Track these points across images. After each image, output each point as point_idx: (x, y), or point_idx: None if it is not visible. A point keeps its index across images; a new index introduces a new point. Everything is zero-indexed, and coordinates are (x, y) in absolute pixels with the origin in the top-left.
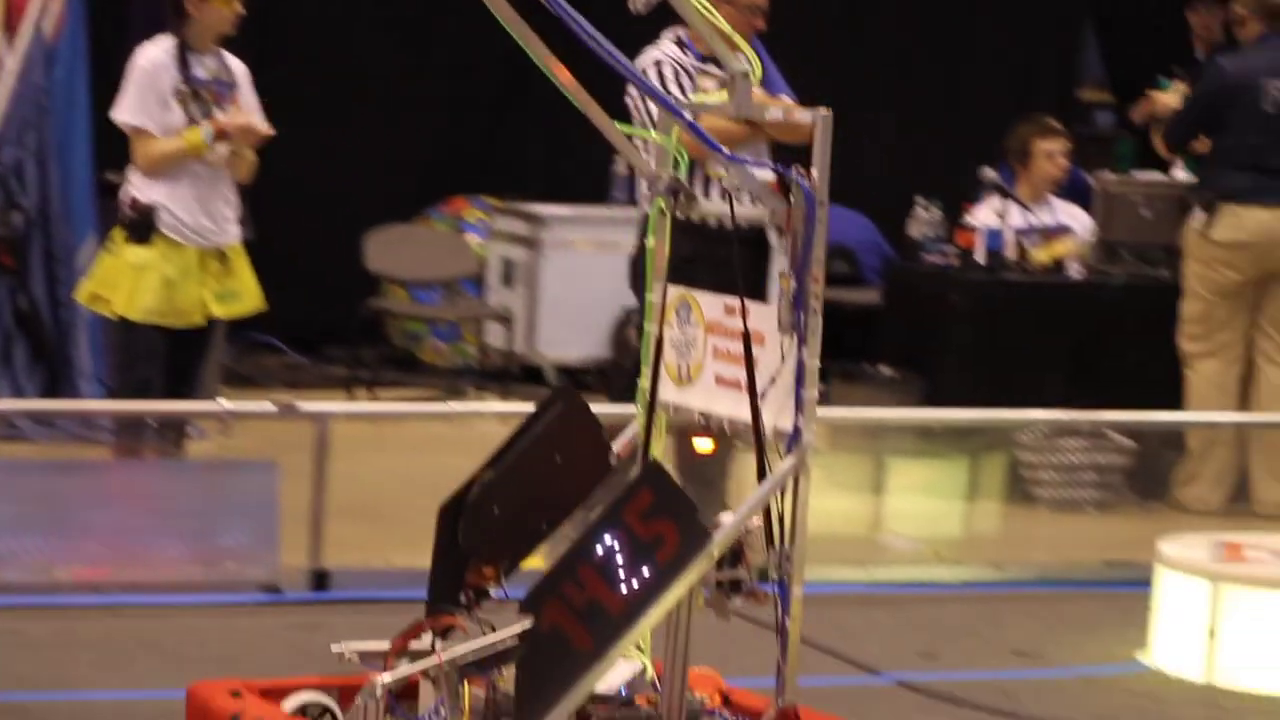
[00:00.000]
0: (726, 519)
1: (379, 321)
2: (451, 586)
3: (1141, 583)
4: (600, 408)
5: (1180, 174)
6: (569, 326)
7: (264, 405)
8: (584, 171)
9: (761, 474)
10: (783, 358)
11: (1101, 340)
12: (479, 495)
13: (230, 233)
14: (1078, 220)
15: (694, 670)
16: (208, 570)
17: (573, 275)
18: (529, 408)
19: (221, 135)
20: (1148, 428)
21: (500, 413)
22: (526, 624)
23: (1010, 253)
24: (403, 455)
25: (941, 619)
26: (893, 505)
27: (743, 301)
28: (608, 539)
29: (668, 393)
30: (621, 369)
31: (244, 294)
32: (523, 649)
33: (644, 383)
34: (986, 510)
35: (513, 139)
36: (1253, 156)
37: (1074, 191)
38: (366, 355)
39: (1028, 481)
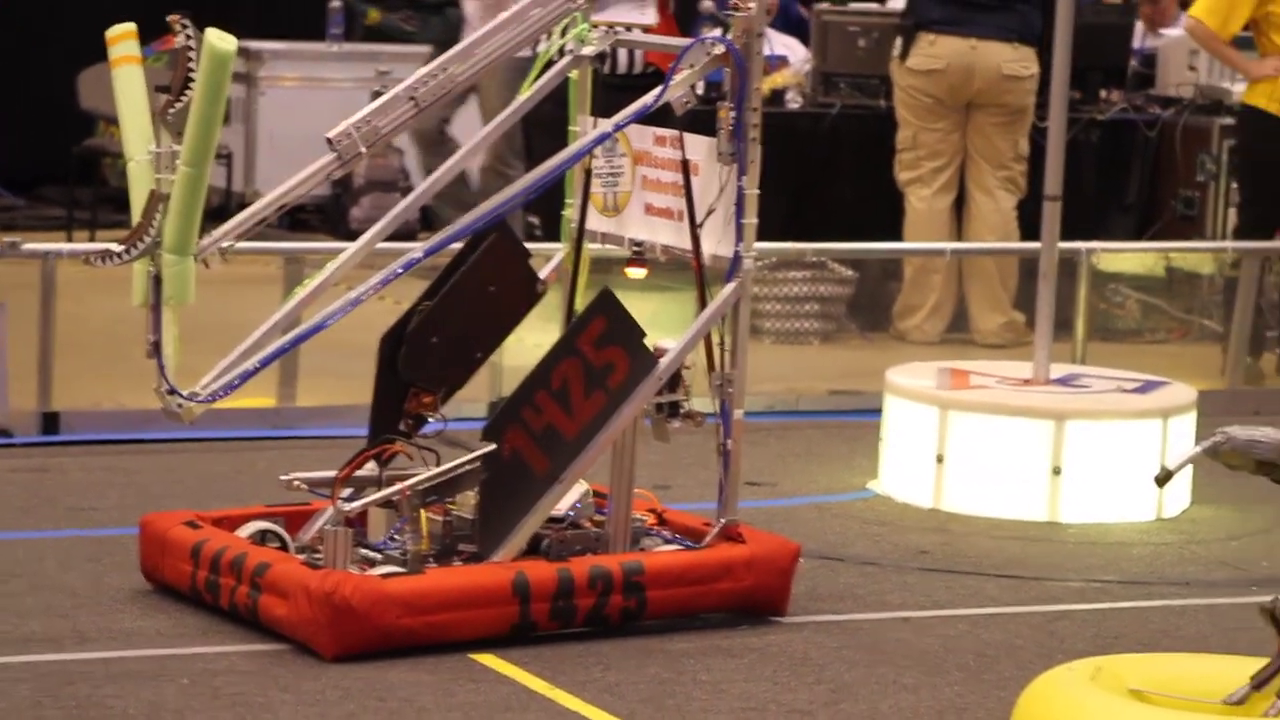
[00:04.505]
0: (669, 344)
1: (94, 161)
2: (391, 415)
3: (867, 411)
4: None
5: (896, 3)
6: (287, 164)
7: None
8: (298, 6)
9: (703, 302)
10: (720, 187)
11: (821, 171)
12: (418, 325)
13: None
14: (793, 51)
15: None
16: None
17: (289, 112)
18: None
19: None
20: (868, 257)
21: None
22: (488, 449)
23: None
24: (127, 296)
25: (670, 449)
26: None
27: (682, 135)
28: (563, 366)
29: (594, 223)
30: (340, 206)
31: None
32: (485, 474)
33: (569, 213)
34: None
35: None
36: None
37: (789, 23)
38: (83, 195)
39: (752, 314)
